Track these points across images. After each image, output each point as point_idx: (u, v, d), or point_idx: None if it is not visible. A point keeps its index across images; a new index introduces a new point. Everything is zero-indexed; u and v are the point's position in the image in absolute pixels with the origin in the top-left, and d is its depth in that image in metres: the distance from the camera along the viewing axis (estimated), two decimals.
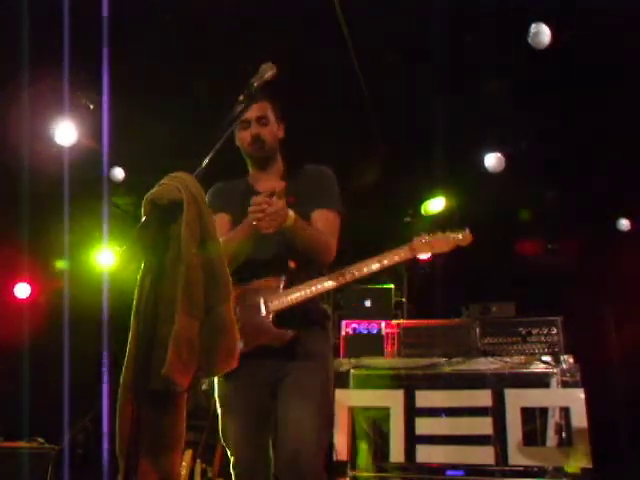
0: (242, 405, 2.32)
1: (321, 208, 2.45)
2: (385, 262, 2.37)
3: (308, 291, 2.33)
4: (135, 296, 1.51)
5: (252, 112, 2.45)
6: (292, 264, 2.38)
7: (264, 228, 2.20)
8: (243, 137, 2.53)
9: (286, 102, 2.61)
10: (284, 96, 2.56)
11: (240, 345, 2.12)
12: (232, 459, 2.32)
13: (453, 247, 2.41)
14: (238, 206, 2.42)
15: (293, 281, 2.37)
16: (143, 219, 1.50)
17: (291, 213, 2.23)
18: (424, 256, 6.31)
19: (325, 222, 2.44)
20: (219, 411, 2.39)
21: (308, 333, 2.36)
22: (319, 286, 2.34)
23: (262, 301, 2.34)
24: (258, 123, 2.49)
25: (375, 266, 2.36)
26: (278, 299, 2.34)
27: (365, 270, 2.35)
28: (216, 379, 2.41)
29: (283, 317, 2.33)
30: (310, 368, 2.31)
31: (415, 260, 6.49)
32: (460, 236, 2.43)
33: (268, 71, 2.11)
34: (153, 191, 1.54)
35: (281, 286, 2.35)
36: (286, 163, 2.64)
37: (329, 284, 2.34)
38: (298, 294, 2.34)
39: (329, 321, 2.52)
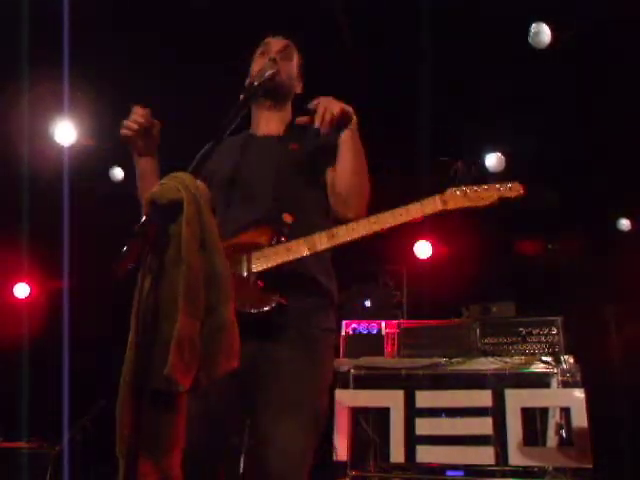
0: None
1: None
2: (412, 213, 1.89)
3: (302, 246, 1.88)
4: (135, 296, 1.51)
5: (276, 41, 2.24)
6: (288, 217, 1.97)
7: (326, 122, 1.89)
8: (259, 63, 2.21)
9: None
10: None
11: None
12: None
13: (495, 200, 1.89)
14: (232, 157, 2.15)
15: (287, 237, 1.93)
16: (143, 219, 1.50)
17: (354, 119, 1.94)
18: (423, 256, 6.36)
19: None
20: None
21: (303, 311, 1.94)
22: (320, 243, 1.88)
23: (244, 259, 1.91)
24: (281, 53, 2.21)
25: (400, 217, 1.89)
26: (263, 257, 1.90)
27: (390, 221, 1.88)
28: None
29: (272, 284, 1.89)
30: (305, 369, 1.90)
31: (415, 260, 6.47)
32: (509, 186, 1.91)
33: (268, 70, 2.10)
34: (153, 191, 1.54)
35: (271, 242, 1.92)
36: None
37: (338, 238, 1.88)
38: (288, 251, 1.89)
39: (333, 302, 2.08)
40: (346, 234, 1.88)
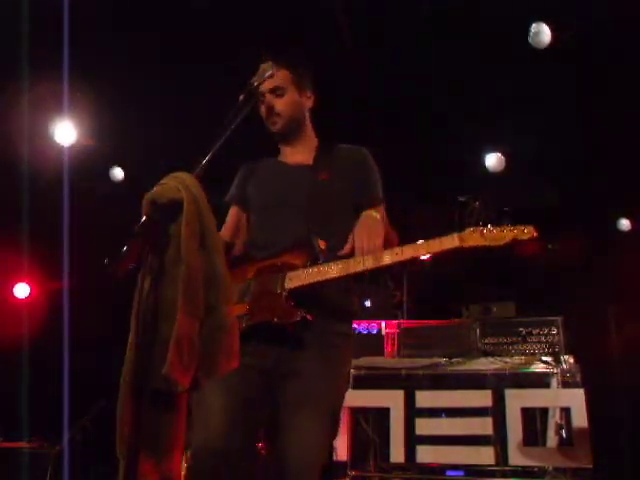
0: (233, 380, 1.92)
1: (377, 206, 2.25)
2: (432, 247, 2.09)
3: (333, 269, 2.04)
4: (135, 296, 1.51)
5: (266, 84, 2.27)
6: (322, 243, 2.14)
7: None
8: (261, 111, 2.33)
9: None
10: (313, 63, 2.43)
11: (245, 320, 2.04)
12: (197, 434, 1.97)
13: (509, 242, 2.03)
14: (268, 184, 2.32)
15: (320, 261, 2.12)
16: (143, 219, 1.50)
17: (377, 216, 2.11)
18: (424, 256, 6.34)
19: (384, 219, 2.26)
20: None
21: (326, 324, 2.12)
22: (351, 268, 2.05)
23: (279, 277, 2.11)
24: (272, 94, 2.30)
25: (422, 251, 2.09)
26: (296, 277, 2.09)
27: (411, 253, 2.06)
28: None
29: (301, 301, 2.07)
30: (323, 369, 2.06)
31: (416, 261, 6.49)
32: (524, 230, 2.06)
33: (268, 70, 2.11)
34: (153, 191, 1.54)
35: (306, 264, 2.11)
36: (320, 139, 2.44)
37: (363, 266, 2.04)
38: (319, 273, 2.06)
39: (353, 313, 2.28)
40: (373, 263, 2.04)
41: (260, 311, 2.08)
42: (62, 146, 5.25)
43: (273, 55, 2.22)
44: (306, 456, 1.97)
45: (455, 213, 2.44)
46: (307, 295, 2.08)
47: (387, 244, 2.12)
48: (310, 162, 2.32)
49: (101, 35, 4.35)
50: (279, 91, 2.30)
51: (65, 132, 5.21)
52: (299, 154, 2.35)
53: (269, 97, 2.29)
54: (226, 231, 2.38)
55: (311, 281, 2.06)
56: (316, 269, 2.07)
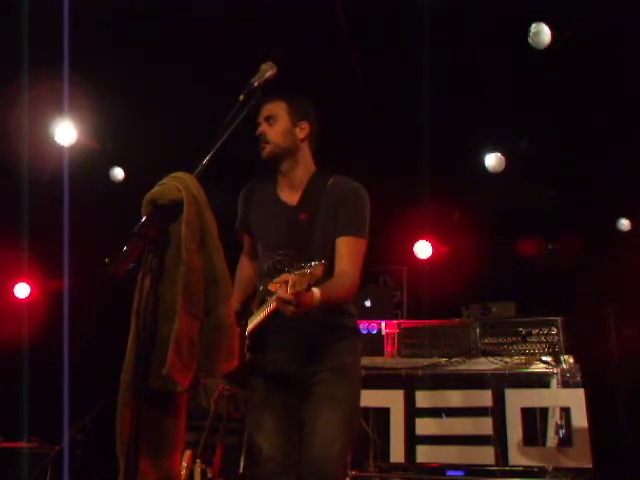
0: (276, 400, 2.34)
1: (348, 236, 2.35)
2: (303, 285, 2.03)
3: (263, 312, 2.25)
4: (135, 296, 1.51)
5: (261, 113, 2.42)
6: (273, 286, 2.21)
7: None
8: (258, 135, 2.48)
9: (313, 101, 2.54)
10: (309, 94, 2.51)
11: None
12: (262, 450, 2.31)
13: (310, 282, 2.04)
14: (263, 222, 2.48)
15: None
16: (143, 219, 1.50)
17: (316, 294, 2.08)
18: (423, 256, 6.36)
19: (351, 252, 2.34)
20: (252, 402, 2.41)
21: (335, 342, 2.37)
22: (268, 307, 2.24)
23: (244, 322, 2.33)
24: (266, 122, 2.43)
25: (300, 287, 2.03)
26: (250, 321, 2.32)
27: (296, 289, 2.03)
28: None
29: (306, 329, 2.32)
30: (340, 380, 2.33)
31: (415, 260, 6.47)
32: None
33: (268, 71, 2.11)
34: (153, 191, 1.54)
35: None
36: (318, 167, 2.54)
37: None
38: (256, 316, 2.31)
39: (357, 336, 2.50)
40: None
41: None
42: (62, 146, 5.25)
43: (272, 88, 2.25)
44: (328, 445, 2.20)
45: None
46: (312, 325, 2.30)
47: (339, 302, 2.32)
48: (295, 202, 2.43)
49: (101, 35, 4.35)
50: (272, 120, 2.42)
51: (65, 132, 5.20)
52: (289, 186, 2.47)
53: (263, 124, 2.42)
54: (245, 259, 2.64)
55: (255, 324, 2.25)
56: (257, 313, 2.28)
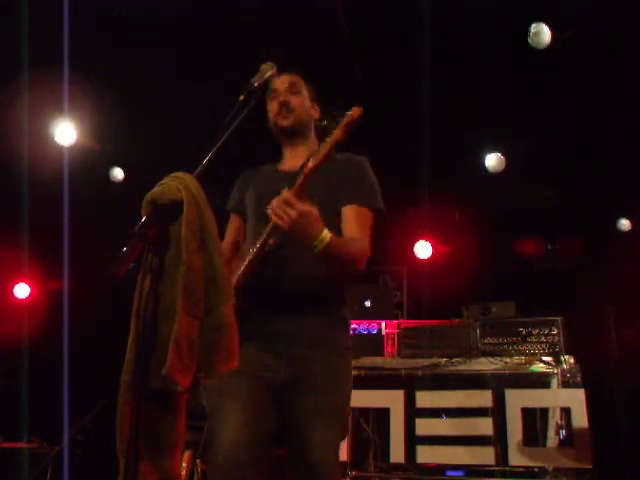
0: (242, 393, 2.05)
1: (353, 204, 2.17)
2: (307, 174, 1.94)
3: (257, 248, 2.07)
4: (135, 296, 1.51)
5: (281, 81, 2.29)
6: (271, 242, 2.12)
7: (289, 233, 1.90)
8: (271, 107, 2.31)
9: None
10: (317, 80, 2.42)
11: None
12: (217, 445, 2.00)
13: (346, 129, 1.94)
14: (259, 196, 2.24)
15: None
16: (143, 219, 1.50)
17: (325, 233, 1.90)
18: (423, 256, 6.35)
19: (356, 220, 2.16)
20: (210, 394, 2.12)
21: (324, 320, 2.14)
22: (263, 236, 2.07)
23: None
24: (288, 91, 2.29)
25: (302, 181, 1.95)
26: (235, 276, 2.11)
27: (299, 192, 1.94)
28: None
29: (293, 301, 2.08)
30: (331, 376, 2.11)
31: (415, 260, 6.47)
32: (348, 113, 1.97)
33: (268, 71, 2.11)
34: (153, 191, 1.54)
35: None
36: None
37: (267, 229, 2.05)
38: (247, 260, 2.10)
39: (347, 324, 2.28)
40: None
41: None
42: (62, 146, 5.25)
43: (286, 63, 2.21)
44: (326, 452, 2.05)
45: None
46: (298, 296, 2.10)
47: (347, 262, 2.09)
48: (297, 168, 2.22)
49: (101, 35, 4.35)
50: (295, 89, 2.30)
51: (65, 132, 5.21)
52: (298, 157, 2.26)
53: (285, 93, 2.28)
54: (226, 243, 2.35)
55: (243, 271, 2.08)
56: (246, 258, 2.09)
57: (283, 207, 1.86)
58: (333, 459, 2.10)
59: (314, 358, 2.09)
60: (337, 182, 2.20)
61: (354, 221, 2.16)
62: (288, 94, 2.28)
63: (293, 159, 2.30)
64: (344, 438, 2.26)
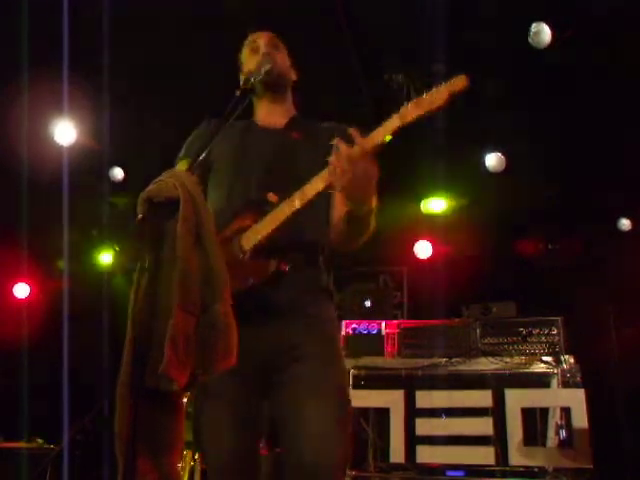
0: (229, 392, 1.89)
1: None
2: (378, 137, 1.79)
3: (285, 208, 1.87)
4: (132, 294, 1.50)
5: (260, 36, 2.23)
6: (272, 197, 1.95)
7: (346, 192, 1.74)
8: (249, 60, 2.21)
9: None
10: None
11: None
12: (207, 461, 1.91)
13: (447, 98, 1.80)
14: (237, 146, 2.12)
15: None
16: (139, 217, 1.50)
17: (372, 205, 1.81)
18: (423, 256, 6.36)
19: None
20: (198, 399, 1.96)
21: (310, 295, 1.98)
22: (296, 201, 1.87)
23: (236, 243, 1.93)
24: (269, 46, 2.19)
25: (370, 143, 1.78)
26: (252, 234, 1.91)
27: (361, 150, 1.78)
28: None
29: (267, 256, 1.89)
30: (321, 351, 1.91)
31: (415, 260, 6.46)
32: (453, 81, 1.81)
33: (265, 65, 2.10)
34: (149, 188, 1.54)
35: (256, 221, 1.94)
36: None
37: (317, 186, 1.84)
38: (272, 219, 1.88)
39: (332, 297, 2.09)
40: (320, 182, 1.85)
41: (232, 281, 1.79)
42: (62, 146, 5.25)
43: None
44: (323, 449, 1.80)
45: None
46: (274, 250, 1.90)
47: (367, 234, 1.95)
48: (282, 125, 2.18)
49: (101, 35, 4.35)
50: (275, 43, 2.23)
51: (65, 132, 5.21)
52: (275, 115, 2.20)
53: (267, 46, 2.19)
54: None
55: (268, 231, 1.89)
56: (268, 217, 1.90)
57: (346, 163, 1.71)
58: (337, 459, 1.82)
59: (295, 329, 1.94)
60: (327, 150, 1.96)
61: None
62: (270, 48, 2.20)
63: (270, 116, 2.21)
64: (348, 422, 1.93)
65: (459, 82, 1.77)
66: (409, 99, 1.80)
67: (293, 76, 2.29)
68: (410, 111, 1.78)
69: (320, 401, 1.84)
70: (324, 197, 1.98)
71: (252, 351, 1.81)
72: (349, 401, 1.95)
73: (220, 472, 1.89)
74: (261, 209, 1.94)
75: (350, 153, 1.71)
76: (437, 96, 1.78)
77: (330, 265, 2.11)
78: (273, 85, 2.18)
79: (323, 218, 2.08)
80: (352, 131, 1.75)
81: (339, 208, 2.01)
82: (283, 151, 2.09)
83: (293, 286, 1.93)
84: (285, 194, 1.90)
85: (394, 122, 1.78)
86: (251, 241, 1.91)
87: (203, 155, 1.81)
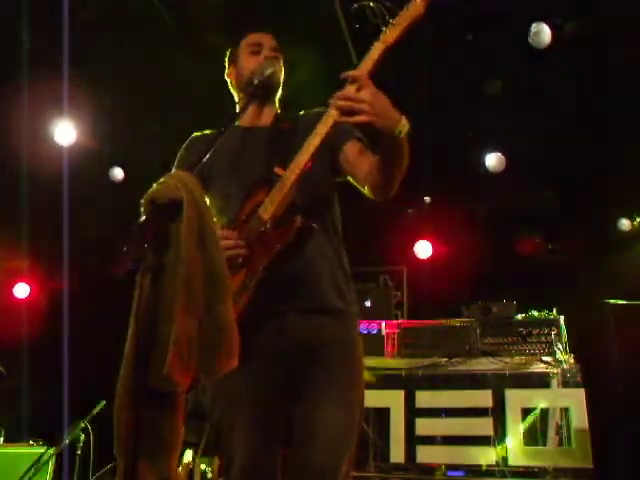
0: (254, 395, 1.89)
1: (353, 139, 2.02)
2: (365, 67, 1.78)
3: (293, 172, 1.86)
4: (134, 296, 1.50)
5: (264, 37, 2.20)
6: (279, 170, 1.94)
7: (371, 120, 1.69)
8: (250, 60, 2.17)
9: None
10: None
11: (250, 281, 1.83)
12: (237, 456, 1.87)
13: (421, 9, 1.77)
14: (227, 148, 2.09)
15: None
16: (142, 218, 1.50)
17: (403, 117, 1.75)
18: (423, 256, 6.35)
19: (367, 154, 1.99)
20: (219, 402, 1.98)
21: (333, 281, 1.97)
22: (302, 157, 1.86)
23: (255, 219, 1.92)
24: (273, 50, 2.18)
25: (365, 68, 1.79)
26: (268, 203, 1.89)
27: (364, 65, 1.80)
28: None
29: (286, 218, 1.87)
30: (349, 358, 1.91)
31: (415, 260, 6.46)
32: None
33: (268, 68, 2.10)
34: (152, 190, 1.54)
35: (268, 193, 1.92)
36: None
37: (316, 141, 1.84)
38: (283, 183, 1.88)
39: (353, 311, 2.05)
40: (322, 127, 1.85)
41: (259, 258, 1.86)
42: (62, 146, 5.25)
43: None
44: (335, 450, 1.80)
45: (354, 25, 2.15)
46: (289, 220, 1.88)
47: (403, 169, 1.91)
48: (268, 123, 2.17)
49: (101, 34, 4.35)
50: (278, 50, 2.20)
51: (65, 132, 5.21)
52: (263, 115, 2.19)
53: (270, 51, 2.17)
54: None
55: (282, 195, 1.87)
56: (279, 185, 1.89)
57: (352, 93, 1.69)
58: (342, 462, 1.80)
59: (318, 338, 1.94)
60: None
61: (364, 155, 2.00)
62: (274, 52, 2.18)
63: (256, 117, 2.19)
64: (360, 425, 1.93)
65: None
66: (386, 24, 1.80)
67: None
68: (391, 33, 1.79)
69: (336, 403, 1.84)
70: (327, 158, 1.98)
71: (274, 348, 1.88)
72: (363, 404, 1.94)
73: (243, 473, 1.87)
74: (271, 183, 1.92)
75: (350, 89, 1.70)
76: (412, 11, 1.78)
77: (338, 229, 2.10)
78: (269, 89, 2.17)
79: (330, 178, 2.06)
80: (343, 74, 1.73)
81: (363, 161, 1.98)
82: (278, 140, 2.07)
83: (317, 250, 1.93)
84: (281, 162, 1.89)
85: (379, 48, 1.80)
86: (269, 210, 1.89)
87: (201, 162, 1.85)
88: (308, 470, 1.79)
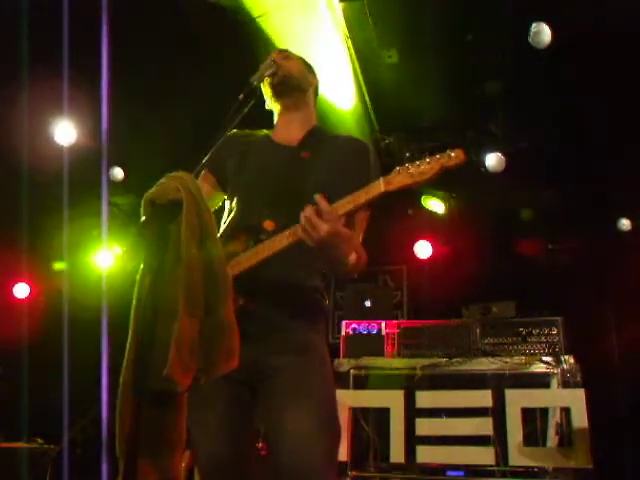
0: (216, 396, 1.88)
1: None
2: (359, 200, 1.78)
3: (271, 246, 1.83)
4: (134, 296, 1.50)
5: (273, 52, 2.21)
6: (269, 224, 1.92)
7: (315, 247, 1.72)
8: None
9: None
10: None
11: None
12: (204, 457, 1.88)
13: (436, 172, 1.75)
14: (254, 159, 2.11)
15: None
16: (142, 219, 1.50)
17: (352, 256, 1.79)
18: (423, 256, 6.35)
19: (360, 226, 2.04)
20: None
21: (292, 321, 1.93)
22: (281, 242, 1.83)
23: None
24: (279, 56, 2.17)
25: (350, 205, 1.78)
26: (236, 264, 1.87)
27: (342, 209, 1.78)
28: None
29: (240, 290, 1.81)
30: (303, 363, 1.88)
31: (415, 260, 6.46)
32: (450, 154, 1.76)
33: (268, 69, 2.11)
34: (152, 190, 1.54)
35: (245, 249, 1.90)
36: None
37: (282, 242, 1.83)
38: (255, 253, 1.85)
39: (322, 313, 2.05)
40: (285, 238, 1.86)
41: None
42: (62, 146, 5.25)
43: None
44: (300, 449, 1.76)
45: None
46: (251, 282, 1.86)
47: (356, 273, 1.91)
48: (295, 143, 2.14)
49: (101, 35, 4.35)
50: (284, 54, 2.21)
51: (65, 132, 5.20)
52: (292, 126, 2.17)
53: (276, 56, 2.17)
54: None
55: (245, 267, 1.85)
56: (254, 250, 1.86)
57: (314, 220, 1.69)
58: (320, 460, 1.78)
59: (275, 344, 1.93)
60: (339, 168, 2.05)
61: (360, 226, 2.04)
62: (280, 57, 2.17)
63: (287, 127, 2.19)
64: (337, 438, 1.91)
65: (455, 157, 1.74)
66: (402, 163, 1.79)
67: (312, 80, 2.26)
68: (399, 179, 1.78)
69: (299, 402, 1.82)
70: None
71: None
72: (333, 399, 1.93)
73: (209, 474, 1.88)
74: (255, 236, 1.91)
75: (316, 218, 1.69)
76: (428, 168, 1.75)
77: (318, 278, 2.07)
78: (281, 88, 2.16)
79: (306, 262, 1.99)
80: (318, 199, 1.71)
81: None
82: (291, 173, 2.04)
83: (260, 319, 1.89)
84: (287, 219, 1.85)
85: (380, 187, 1.79)
86: (234, 270, 1.85)
87: (206, 159, 1.83)
88: (282, 470, 1.77)
